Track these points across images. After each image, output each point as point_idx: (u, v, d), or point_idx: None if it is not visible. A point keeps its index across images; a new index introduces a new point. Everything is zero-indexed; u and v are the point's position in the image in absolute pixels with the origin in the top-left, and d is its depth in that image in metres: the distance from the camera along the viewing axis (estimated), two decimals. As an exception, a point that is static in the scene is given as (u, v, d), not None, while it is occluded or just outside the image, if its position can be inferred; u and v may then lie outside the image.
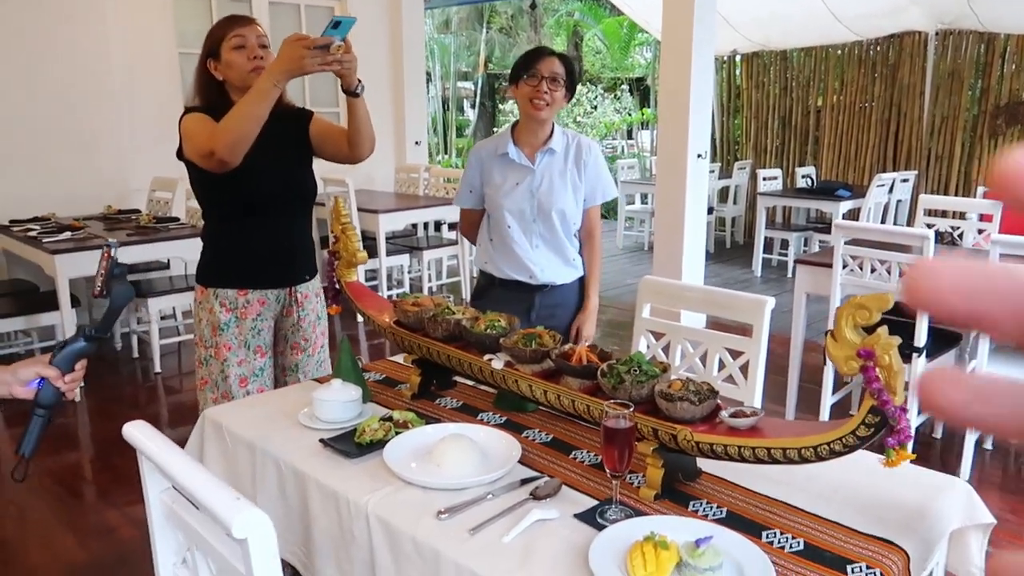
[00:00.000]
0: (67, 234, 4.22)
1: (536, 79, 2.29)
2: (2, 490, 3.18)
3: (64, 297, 3.98)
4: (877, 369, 1.15)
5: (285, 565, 1.54)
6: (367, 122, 2.29)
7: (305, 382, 2.07)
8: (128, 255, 4.16)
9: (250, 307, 2.25)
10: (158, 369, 4.47)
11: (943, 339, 3.35)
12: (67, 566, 2.62)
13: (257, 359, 2.28)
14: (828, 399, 3.45)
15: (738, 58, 8.96)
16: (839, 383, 3.67)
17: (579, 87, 13.48)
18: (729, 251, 8.34)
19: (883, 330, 1.16)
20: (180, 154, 2.19)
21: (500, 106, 14.65)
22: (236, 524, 0.96)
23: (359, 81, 2.12)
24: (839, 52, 8.04)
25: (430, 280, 6.05)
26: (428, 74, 11.33)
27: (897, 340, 1.15)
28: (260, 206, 2.21)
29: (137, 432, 1.23)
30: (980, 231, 4.17)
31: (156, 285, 4.49)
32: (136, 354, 4.84)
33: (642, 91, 14.32)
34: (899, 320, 2.70)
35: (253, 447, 1.71)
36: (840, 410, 3.55)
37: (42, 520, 2.92)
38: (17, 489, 3.19)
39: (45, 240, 4.08)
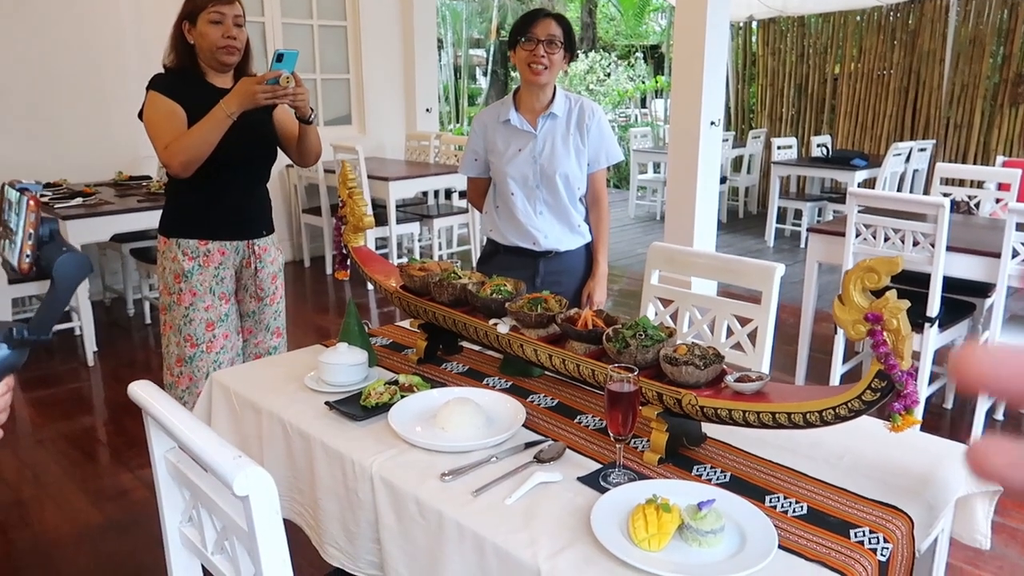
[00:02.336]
0: (78, 200, 4.23)
1: (533, 43, 2.25)
2: (18, 454, 3.23)
3: (76, 263, 3.99)
4: (885, 333, 1.14)
5: (292, 526, 1.56)
6: (316, 143, 2.49)
7: (312, 347, 2.08)
8: (139, 221, 4.18)
9: (211, 256, 2.41)
10: (170, 335, 4.50)
11: (956, 309, 3.32)
12: (81, 527, 2.66)
13: (222, 305, 2.45)
14: (838, 369, 3.43)
15: (754, 24, 8.81)
16: (849, 353, 3.66)
17: (592, 54, 13.37)
18: (742, 221, 8.28)
19: (891, 294, 1.14)
20: (141, 115, 2.36)
21: (512, 74, 14.49)
22: (237, 481, 0.96)
23: (312, 110, 2.36)
24: (858, 18, 7.89)
25: (440, 248, 6.04)
26: (439, 41, 11.22)
27: (906, 304, 1.13)
28: (223, 163, 2.31)
29: (142, 391, 1.24)
30: (998, 200, 4.11)
31: (167, 252, 4.50)
32: (148, 320, 4.87)
33: (656, 59, 14.13)
34: (911, 290, 2.67)
35: (260, 410, 1.72)
36: (850, 380, 3.53)
37: (57, 483, 2.97)
38: (33, 453, 3.24)
39: (56, 206, 4.10)
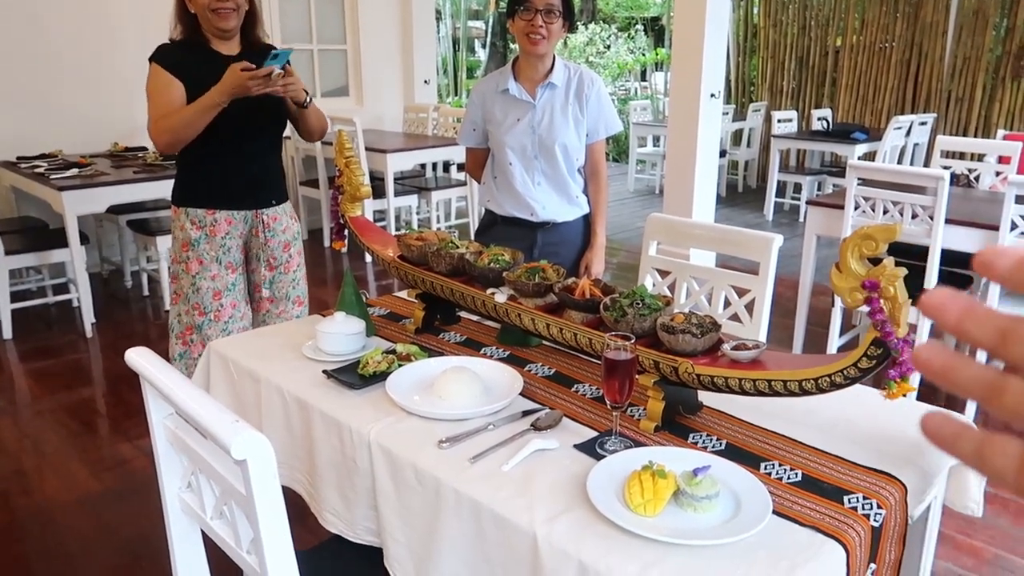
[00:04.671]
0: (74, 171, 4.21)
1: (531, 12, 2.22)
2: (18, 424, 3.25)
3: (73, 234, 3.99)
4: (881, 300, 1.14)
5: (291, 494, 1.57)
6: (318, 121, 2.50)
7: (308, 316, 2.08)
8: (135, 193, 4.16)
9: (218, 225, 2.43)
10: (168, 307, 4.50)
11: (953, 283, 3.32)
12: (82, 495, 2.68)
13: (229, 275, 2.47)
14: (835, 342, 3.44)
15: (756, -4, 8.72)
16: (847, 325, 3.67)
17: (592, 26, 13.24)
18: (741, 195, 8.26)
19: (889, 261, 1.14)
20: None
21: (512, 46, 14.35)
22: (235, 445, 0.97)
23: (307, 94, 2.38)
24: (860, -11, 7.81)
25: (439, 221, 6.03)
26: (438, 12, 11.09)
27: (903, 271, 1.13)
28: (228, 132, 2.33)
29: (139, 358, 1.24)
30: (998, 173, 4.09)
31: (164, 223, 4.48)
32: (146, 292, 4.87)
33: (657, 31, 13.99)
34: (909, 262, 2.67)
35: (258, 378, 1.73)
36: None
37: (57, 453, 2.99)
38: (33, 423, 3.25)
39: (52, 177, 4.08)
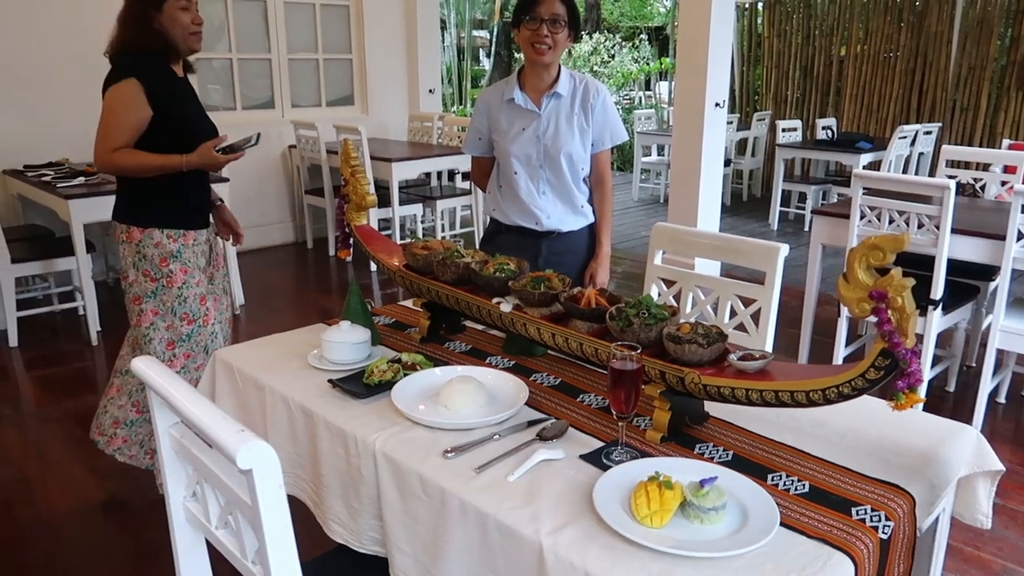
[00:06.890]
0: (81, 179, 4.22)
1: (536, 22, 2.22)
2: (23, 432, 3.25)
3: (79, 242, 4.00)
4: (889, 311, 1.13)
5: (296, 503, 1.56)
6: None
7: (314, 325, 2.08)
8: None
9: (189, 234, 2.50)
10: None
11: (960, 292, 3.31)
12: (85, 504, 2.68)
13: (205, 279, 2.57)
14: (841, 351, 3.43)
15: (760, 5, 8.74)
16: (853, 335, 3.65)
17: (597, 36, 13.28)
18: (746, 204, 8.26)
19: (896, 271, 1.13)
20: (107, 86, 2.36)
21: (516, 55, 14.39)
22: (241, 454, 0.96)
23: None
24: (865, -1, 7.82)
25: (443, 230, 6.03)
26: (442, 21, 11.14)
27: (911, 282, 1.13)
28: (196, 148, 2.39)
29: (145, 367, 1.24)
30: (1003, 183, 4.08)
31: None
32: (152, 300, 4.87)
33: (661, 40, 14.04)
34: (915, 272, 2.67)
35: (263, 387, 1.72)
36: (852, 362, 3.53)
37: (61, 460, 2.99)
38: (38, 431, 3.25)
39: (59, 185, 4.09)
